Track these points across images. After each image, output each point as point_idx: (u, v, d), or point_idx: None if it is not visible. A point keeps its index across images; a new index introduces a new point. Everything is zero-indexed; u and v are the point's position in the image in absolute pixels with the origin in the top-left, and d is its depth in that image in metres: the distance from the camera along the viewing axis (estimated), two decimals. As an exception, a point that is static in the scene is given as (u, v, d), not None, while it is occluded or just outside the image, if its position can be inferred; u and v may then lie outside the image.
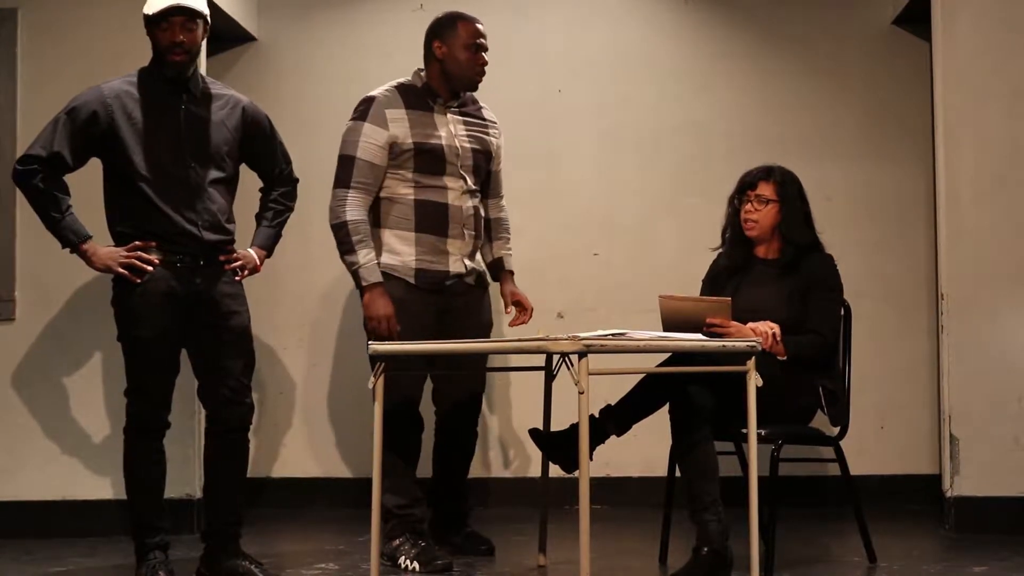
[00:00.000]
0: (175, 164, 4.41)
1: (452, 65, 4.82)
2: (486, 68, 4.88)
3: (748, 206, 4.68)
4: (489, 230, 5.07)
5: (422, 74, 4.87)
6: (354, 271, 4.69)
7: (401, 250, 4.76)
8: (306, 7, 6.40)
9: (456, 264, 4.81)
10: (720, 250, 4.82)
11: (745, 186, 4.70)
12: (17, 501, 5.51)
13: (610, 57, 6.38)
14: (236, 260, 4.53)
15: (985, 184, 5.41)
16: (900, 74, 6.30)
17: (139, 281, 4.36)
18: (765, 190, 4.67)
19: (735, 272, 4.74)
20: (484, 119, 4.98)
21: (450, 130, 4.81)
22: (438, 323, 4.80)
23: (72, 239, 4.40)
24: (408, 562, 4.64)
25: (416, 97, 4.81)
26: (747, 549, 4.09)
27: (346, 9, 6.37)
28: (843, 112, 6.32)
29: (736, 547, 4.34)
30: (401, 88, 4.83)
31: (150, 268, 4.36)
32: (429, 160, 4.75)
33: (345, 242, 4.68)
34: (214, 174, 4.48)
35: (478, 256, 4.98)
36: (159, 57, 4.45)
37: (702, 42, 6.38)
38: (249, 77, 6.26)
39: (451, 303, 4.83)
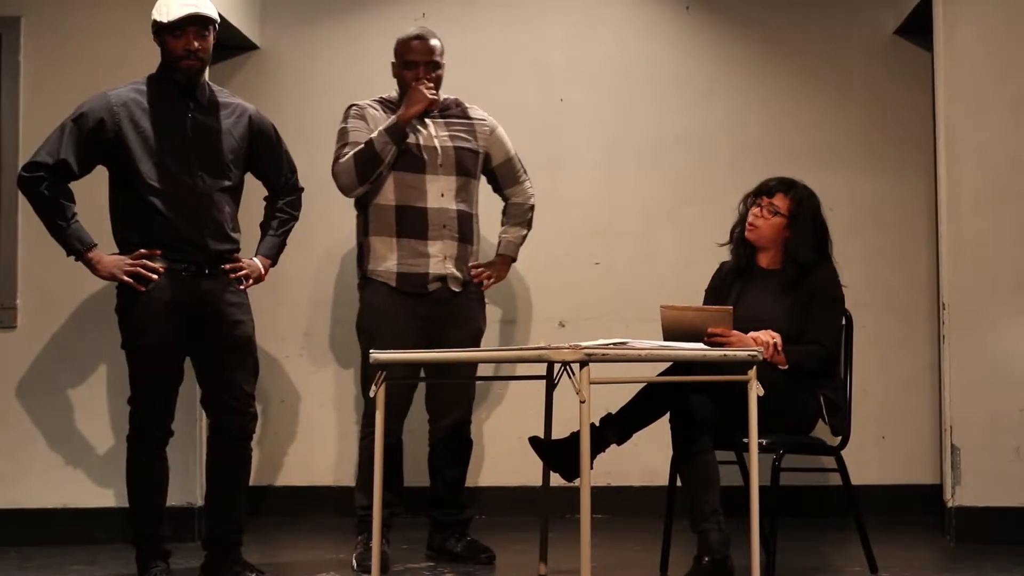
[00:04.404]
0: (181, 173, 4.41)
1: (399, 83, 5.00)
2: (429, 80, 4.90)
3: (756, 210, 4.69)
4: (504, 214, 5.21)
5: (398, 90, 5.03)
6: (376, 140, 4.81)
7: (385, 255, 4.88)
8: (308, 16, 6.40)
9: (437, 265, 4.88)
10: (726, 244, 4.82)
11: (762, 191, 4.71)
12: (18, 509, 5.50)
13: (611, 66, 6.38)
14: (241, 269, 4.53)
15: (986, 194, 5.41)
16: (902, 84, 6.30)
17: (144, 289, 4.36)
18: (779, 202, 4.67)
19: (738, 277, 4.75)
20: (470, 118, 5.05)
21: (430, 132, 4.92)
22: (423, 331, 4.85)
23: (77, 247, 4.40)
24: (354, 562, 4.80)
25: (395, 107, 4.96)
26: (748, 559, 4.08)
27: (348, 18, 6.38)
28: (844, 122, 6.33)
29: (737, 557, 4.34)
30: (381, 100, 5.02)
31: (155, 276, 4.36)
32: (408, 160, 4.87)
33: (359, 154, 4.81)
34: (220, 183, 4.48)
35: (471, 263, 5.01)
36: (169, 64, 4.45)
37: (704, 51, 6.38)
38: (251, 85, 6.27)
39: (435, 310, 4.89)
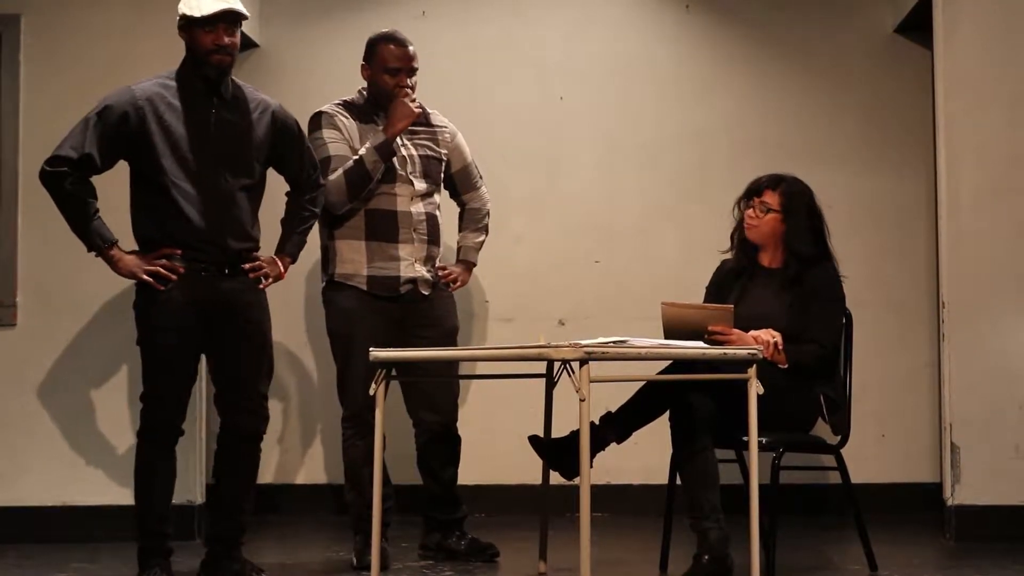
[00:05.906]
0: (203, 170, 4.37)
1: (374, 89, 4.96)
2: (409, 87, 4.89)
3: (750, 211, 4.70)
4: (462, 220, 5.21)
5: (364, 92, 5.00)
6: (366, 159, 4.78)
7: (353, 259, 4.87)
8: (308, 14, 6.40)
9: (407, 269, 4.88)
10: (728, 252, 4.83)
11: (752, 191, 4.73)
12: (18, 506, 5.51)
13: (611, 64, 6.38)
14: (260, 268, 4.51)
15: (986, 191, 5.41)
16: (901, 81, 6.30)
17: (162, 288, 4.34)
18: (769, 199, 4.68)
19: (739, 276, 4.75)
20: (432, 125, 5.05)
21: (398, 142, 4.89)
22: (397, 332, 4.84)
23: (99, 243, 4.36)
24: (354, 559, 4.81)
25: (361, 112, 4.95)
26: (748, 557, 4.09)
27: (348, 16, 6.37)
28: (844, 119, 6.33)
29: (737, 555, 4.34)
30: (345, 104, 4.98)
31: (174, 276, 4.34)
32: None
33: (350, 173, 4.78)
34: (242, 180, 4.44)
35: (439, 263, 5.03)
36: (197, 59, 4.41)
37: (703, 49, 6.38)
38: (251, 84, 6.25)
39: (407, 312, 4.89)
